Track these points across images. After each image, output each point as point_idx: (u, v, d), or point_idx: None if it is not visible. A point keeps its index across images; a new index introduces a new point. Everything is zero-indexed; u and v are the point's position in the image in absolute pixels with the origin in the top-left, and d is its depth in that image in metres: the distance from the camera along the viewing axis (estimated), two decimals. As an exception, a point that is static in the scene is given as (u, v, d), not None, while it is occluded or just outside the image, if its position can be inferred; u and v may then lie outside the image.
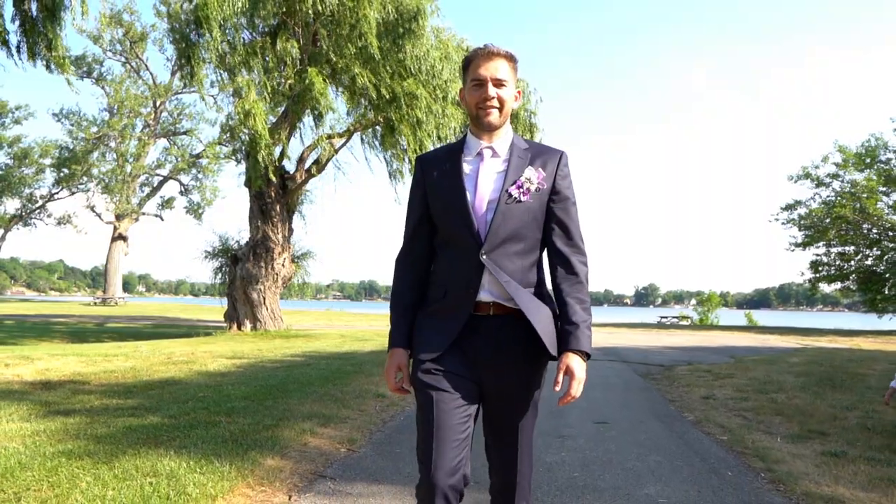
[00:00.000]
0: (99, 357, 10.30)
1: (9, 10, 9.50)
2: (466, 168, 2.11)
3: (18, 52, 10.12)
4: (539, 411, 2.18)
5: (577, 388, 2.01)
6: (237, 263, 18.52)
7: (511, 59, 2.09)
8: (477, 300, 2.03)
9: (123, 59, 43.57)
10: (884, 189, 27.32)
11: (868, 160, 27.35)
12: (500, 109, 2.08)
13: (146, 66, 44.62)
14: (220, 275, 19.89)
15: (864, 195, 26.29)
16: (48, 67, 11.69)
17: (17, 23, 9.73)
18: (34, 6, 9.69)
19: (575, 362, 2.00)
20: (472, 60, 2.10)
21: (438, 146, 2.60)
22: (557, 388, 2.00)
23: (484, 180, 2.08)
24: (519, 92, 2.17)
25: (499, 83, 2.06)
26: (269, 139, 15.89)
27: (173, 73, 42.66)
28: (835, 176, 28.17)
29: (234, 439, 4.39)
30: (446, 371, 2.03)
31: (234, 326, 18.12)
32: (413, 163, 17.64)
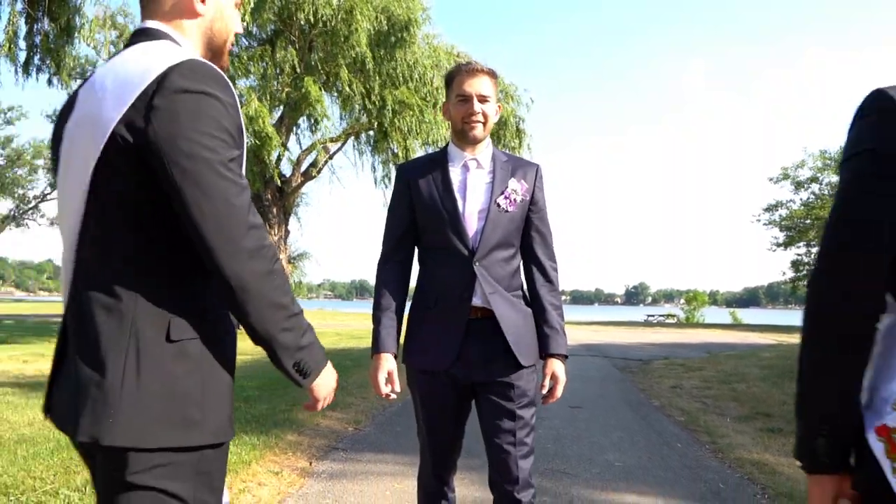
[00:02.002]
0: (110, 354, 10.92)
1: (21, 29, 10.10)
2: (455, 178, 2.18)
3: (26, 68, 10.68)
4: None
5: (559, 390, 2.16)
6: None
7: (493, 75, 2.20)
8: (471, 305, 2.10)
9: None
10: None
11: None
12: (485, 124, 2.17)
13: (140, 67, 44.91)
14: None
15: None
16: (49, 82, 12.19)
17: (28, 41, 10.31)
18: (46, 24, 10.29)
19: (558, 367, 2.15)
20: (455, 76, 2.19)
21: (417, 156, 2.72)
22: (544, 391, 2.16)
23: (473, 191, 2.16)
24: (499, 106, 2.27)
25: (483, 99, 2.15)
26: (279, 139, 16.52)
27: (167, 75, 43.05)
28: (814, 179, 29.09)
29: (256, 420, 5.07)
30: (444, 380, 2.12)
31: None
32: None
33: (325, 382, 1.35)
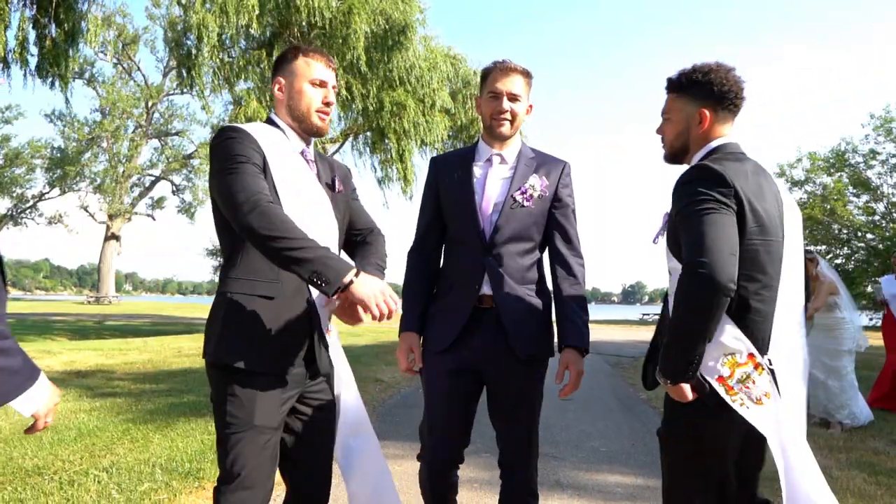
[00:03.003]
0: (114, 351, 11.19)
1: (31, 35, 10.39)
2: (476, 172, 2.24)
3: (40, 72, 10.94)
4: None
5: (577, 381, 2.13)
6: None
7: (527, 75, 2.23)
8: (480, 294, 2.16)
9: (115, 61, 44.03)
10: (853, 191, 28.66)
11: (837, 164, 28.64)
12: (512, 122, 2.20)
13: (138, 67, 45.09)
14: (219, 273, 20.73)
15: (834, 197, 27.58)
16: (52, 85, 12.41)
17: (38, 46, 10.57)
18: (54, 29, 10.56)
19: (574, 358, 2.14)
20: (489, 73, 2.22)
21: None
22: (559, 382, 2.14)
23: (491, 184, 2.21)
24: (531, 106, 2.29)
25: (513, 97, 2.19)
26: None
27: (165, 75, 43.24)
28: (807, 180, 29.40)
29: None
30: (451, 365, 2.18)
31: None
32: (398, 168, 18.53)
33: (361, 289, 1.68)
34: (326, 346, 1.97)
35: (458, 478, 2.39)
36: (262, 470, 1.82)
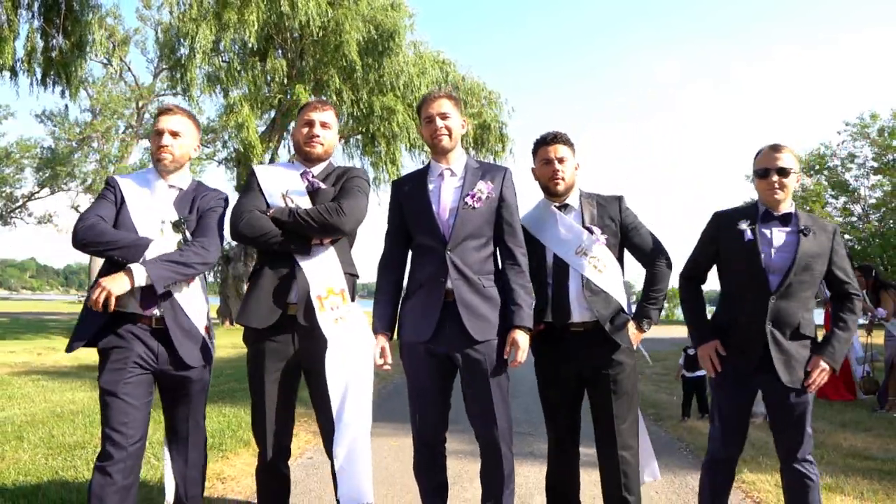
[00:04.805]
0: (117, 347, 11.61)
1: (39, 45, 10.77)
2: (431, 186, 2.58)
3: (44, 80, 11.34)
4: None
5: (521, 356, 2.45)
6: (229, 263, 19.83)
7: (450, 97, 2.62)
8: (447, 288, 2.47)
9: (106, 61, 44.08)
10: (832, 193, 29.48)
11: (816, 167, 29.45)
12: (450, 135, 2.56)
13: (129, 68, 45.08)
14: (212, 273, 21.15)
15: (813, 199, 28.38)
16: (63, 94, 12.81)
17: (44, 55, 10.95)
18: (61, 40, 10.97)
19: (519, 336, 2.45)
20: (421, 105, 2.62)
21: (412, 170, 3.06)
22: (507, 357, 2.47)
23: (445, 194, 2.55)
24: (465, 120, 2.68)
25: (444, 116, 2.55)
26: (261, 148, 17.14)
27: (156, 76, 43.33)
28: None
29: (269, 398, 5.90)
30: (426, 353, 2.50)
31: (227, 322, 19.44)
32: (389, 170, 18.92)
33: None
34: (311, 312, 2.51)
35: (445, 453, 2.72)
36: (261, 423, 2.66)
